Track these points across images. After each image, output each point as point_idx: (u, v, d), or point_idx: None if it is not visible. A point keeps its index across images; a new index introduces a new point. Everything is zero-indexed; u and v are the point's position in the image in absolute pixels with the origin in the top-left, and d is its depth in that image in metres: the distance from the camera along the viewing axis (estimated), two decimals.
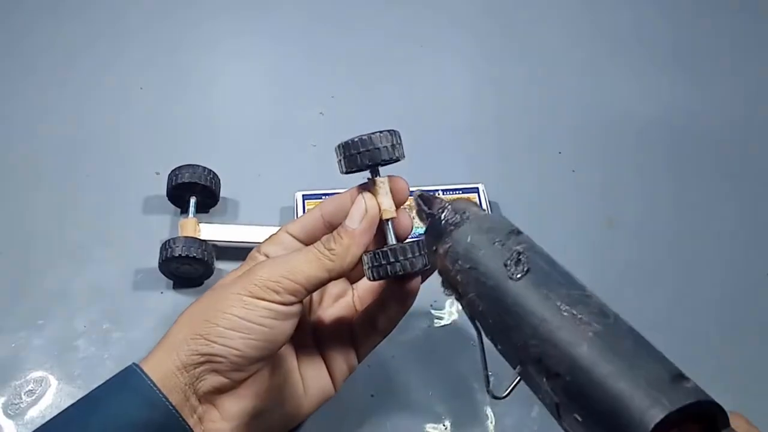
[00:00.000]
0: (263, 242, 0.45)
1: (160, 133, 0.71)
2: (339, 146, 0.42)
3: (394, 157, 0.42)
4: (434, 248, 0.37)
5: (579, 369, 0.27)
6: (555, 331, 0.29)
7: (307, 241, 0.44)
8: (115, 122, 0.71)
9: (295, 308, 0.40)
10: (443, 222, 0.37)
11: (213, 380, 0.39)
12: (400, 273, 0.40)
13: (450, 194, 0.64)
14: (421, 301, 0.47)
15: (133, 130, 0.71)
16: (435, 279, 0.40)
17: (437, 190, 0.64)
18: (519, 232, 0.35)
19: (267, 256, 0.44)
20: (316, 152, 0.71)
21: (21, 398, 0.53)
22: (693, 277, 0.64)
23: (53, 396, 0.54)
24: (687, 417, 0.25)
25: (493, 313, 0.32)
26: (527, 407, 0.54)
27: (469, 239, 0.35)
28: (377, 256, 0.40)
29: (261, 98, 0.76)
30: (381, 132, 0.41)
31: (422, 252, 0.42)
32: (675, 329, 0.60)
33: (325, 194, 0.64)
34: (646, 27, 0.86)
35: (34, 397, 0.53)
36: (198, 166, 0.62)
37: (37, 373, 0.55)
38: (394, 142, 0.42)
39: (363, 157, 0.41)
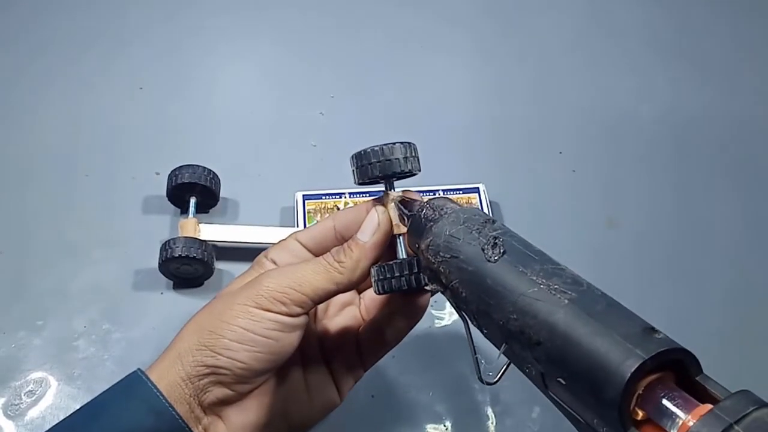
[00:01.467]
0: (271, 248, 0.44)
1: (160, 133, 0.71)
2: (352, 156, 0.41)
3: (407, 170, 0.41)
4: (417, 245, 0.39)
5: (558, 334, 0.29)
6: (533, 303, 0.30)
7: (316, 251, 0.43)
8: (115, 122, 0.71)
9: (302, 319, 0.39)
10: (423, 219, 0.38)
11: (218, 392, 0.39)
12: (405, 288, 0.40)
13: (450, 194, 0.64)
14: None
15: (133, 130, 0.71)
16: None
17: (437, 191, 0.64)
18: (494, 221, 0.36)
19: (275, 263, 0.43)
20: (316, 152, 0.71)
21: (21, 399, 0.53)
22: (693, 277, 0.64)
23: (53, 397, 0.53)
24: (662, 366, 0.27)
25: (475, 296, 0.34)
26: (528, 408, 0.54)
27: (448, 231, 0.36)
28: (384, 270, 0.40)
29: (261, 98, 0.76)
30: (395, 143, 0.40)
31: None
32: (675, 329, 0.60)
33: (325, 194, 0.64)
34: (646, 26, 0.86)
35: (34, 398, 0.53)
36: (198, 166, 0.62)
37: (37, 374, 0.55)
38: (408, 155, 0.40)
39: (374, 168, 0.40)
